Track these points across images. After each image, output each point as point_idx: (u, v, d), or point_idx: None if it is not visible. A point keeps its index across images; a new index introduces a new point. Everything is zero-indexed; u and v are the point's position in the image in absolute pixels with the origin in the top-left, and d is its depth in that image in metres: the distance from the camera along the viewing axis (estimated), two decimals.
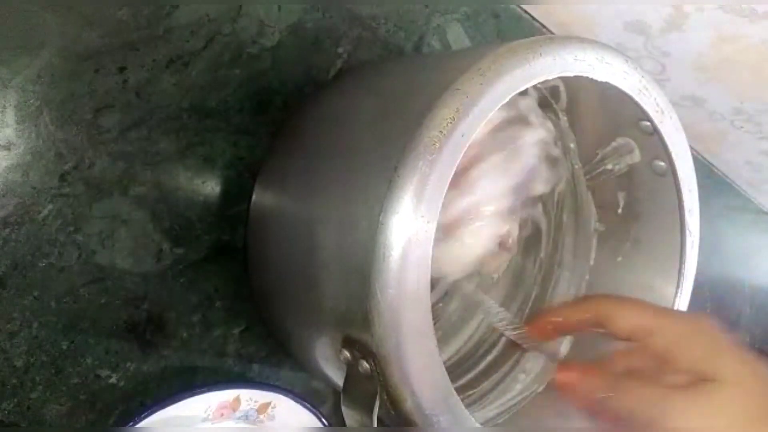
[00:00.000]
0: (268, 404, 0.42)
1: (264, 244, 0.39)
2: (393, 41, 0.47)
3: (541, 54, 0.30)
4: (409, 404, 0.28)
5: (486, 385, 0.44)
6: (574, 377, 0.31)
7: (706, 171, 0.81)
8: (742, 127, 0.68)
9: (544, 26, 0.57)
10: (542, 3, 0.54)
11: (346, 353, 0.29)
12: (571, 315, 0.34)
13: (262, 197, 0.40)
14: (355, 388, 0.29)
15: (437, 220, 0.27)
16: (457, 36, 0.51)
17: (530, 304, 0.47)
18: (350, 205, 0.31)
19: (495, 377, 0.44)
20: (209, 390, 0.39)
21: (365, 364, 0.28)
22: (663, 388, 0.28)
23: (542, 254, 0.47)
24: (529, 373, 0.44)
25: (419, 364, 0.28)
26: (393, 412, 0.28)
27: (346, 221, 0.30)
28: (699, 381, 0.28)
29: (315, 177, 0.35)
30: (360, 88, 0.40)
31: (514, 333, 0.37)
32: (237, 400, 0.40)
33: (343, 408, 0.30)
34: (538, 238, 0.46)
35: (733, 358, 0.29)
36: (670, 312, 0.37)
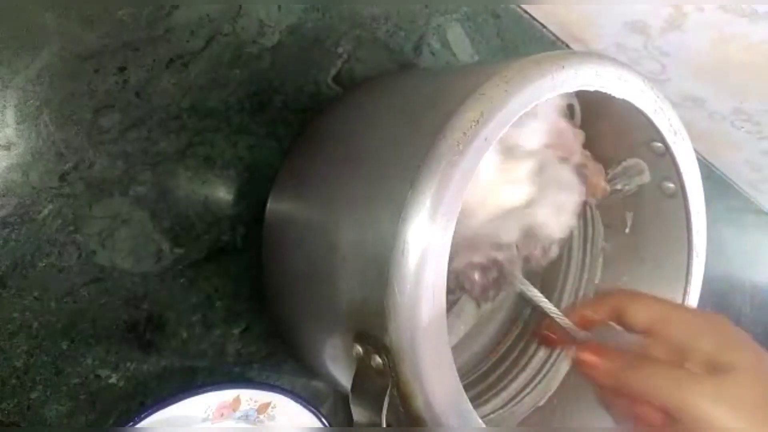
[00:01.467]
0: (268, 404, 0.42)
1: (280, 246, 0.40)
2: (393, 41, 0.47)
3: (563, 67, 0.31)
4: (420, 401, 0.28)
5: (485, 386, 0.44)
6: (594, 358, 0.31)
7: (706, 171, 0.81)
8: (742, 127, 0.68)
9: (544, 26, 0.57)
10: (542, 3, 0.54)
11: (359, 348, 0.30)
12: (593, 309, 0.35)
13: (278, 201, 0.40)
14: (366, 384, 0.30)
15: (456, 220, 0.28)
16: (457, 36, 0.51)
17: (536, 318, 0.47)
18: (372, 205, 0.31)
19: (494, 378, 0.44)
20: (209, 390, 0.39)
21: (378, 359, 0.28)
22: (683, 370, 0.29)
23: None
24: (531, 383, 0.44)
25: (432, 362, 0.28)
26: (402, 409, 0.28)
27: (366, 220, 0.31)
28: (715, 370, 0.28)
29: (335, 180, 0.35)
30: (380, 97, 0.41)
31: (560, 320, 0.37)
32: (237, 400, 0.40)
33: (352, 405, 0.30)
34: None
35: (748, 348, 0.29)
36: (685, 306, 0.37)
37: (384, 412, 0.28)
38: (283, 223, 0.40)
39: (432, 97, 0.34)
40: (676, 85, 0.62)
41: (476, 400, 0.44)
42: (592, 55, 0.33)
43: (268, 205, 0.41)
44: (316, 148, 0.40)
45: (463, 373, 0.45)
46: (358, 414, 0.30)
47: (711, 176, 0.83)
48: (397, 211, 0.27)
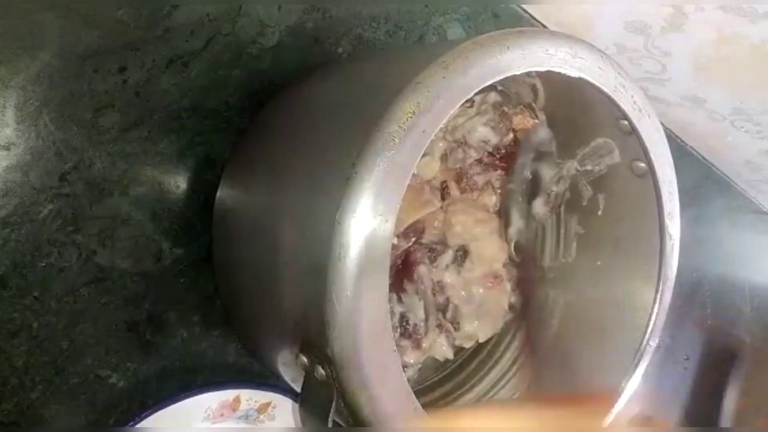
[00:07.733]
0: (268, 404, 0.42)
1: (227, 244, 0.38)
2: (393, 41, 0.47)
3: (508, 47, 0.29)
4: (366, 412, 0.26)
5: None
6: None
7: (705, 171, 0.81)
8: (741, 127, 0.68)
9: (544, 26, 0.57)
10: (542, 3, 0.54)
11: (304, 358, 0.28)
12: None
13: (226, 195, 0.39)
14: (313, 395, 0.28)
15: (395, 218, 0.26)
16: (457, 36, 0.51)
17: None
18: (310, 204, 0.29)
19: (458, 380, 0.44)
20: (209, 390, 0.39)
21: (321, 370, 0.27)
22: None
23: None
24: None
25: (377, 372, 0.26)
26: (351, 420, 0.27)
27: (306, 221, 0.29)
28: None
29: (278, 174, 0.34)
30: (328, 83, 0.39)
31: None
32: (237, 399, 0.40)
33: (300, 414, 0.29)
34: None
35: None
36: None
37: (330, 423, 0.27)
38: (229, 218, 0.38)
39: (372, 85, 0.33)
40: (676, 85, 0.62)
41: (446, 398, 0.43)
42: (542, 32, 0.31)
43: (217, 197, 0.39)
44: (264, 136, 0.38)
45: (430, 372, 0.45)
46: (307, 425, 0.29)
47: (711, 176, 0.83)
48: (334, 212, 0.26)
